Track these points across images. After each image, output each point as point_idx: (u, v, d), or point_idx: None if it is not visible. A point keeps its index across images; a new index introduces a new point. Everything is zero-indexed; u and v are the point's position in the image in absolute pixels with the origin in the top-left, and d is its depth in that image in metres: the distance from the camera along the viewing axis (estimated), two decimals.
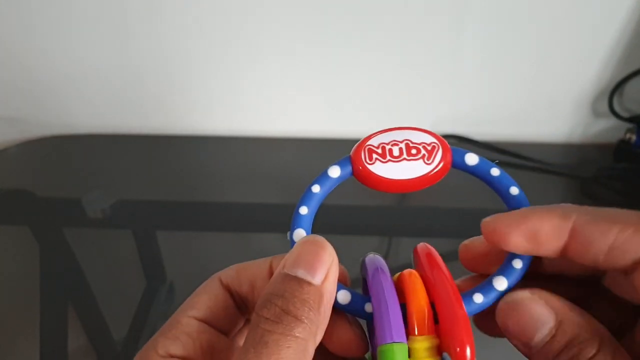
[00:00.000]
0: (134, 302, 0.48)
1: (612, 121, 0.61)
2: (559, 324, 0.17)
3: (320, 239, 0.19)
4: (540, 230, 0.18)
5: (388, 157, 0.20)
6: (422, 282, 0.19)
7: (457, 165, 0.21)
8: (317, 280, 0.18)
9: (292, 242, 0.20)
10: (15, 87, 0.62)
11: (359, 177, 0.21)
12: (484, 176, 0.21)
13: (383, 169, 0.20)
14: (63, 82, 0.62)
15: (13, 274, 0.52)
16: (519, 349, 0.18)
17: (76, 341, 0.46)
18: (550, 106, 0.62)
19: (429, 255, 0.20)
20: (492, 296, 0.19)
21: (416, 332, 0.18)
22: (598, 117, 0.62)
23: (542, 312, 0.17)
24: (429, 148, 0.20)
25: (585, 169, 0.60)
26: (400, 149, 0.21)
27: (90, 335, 0.46)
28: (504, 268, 0.20)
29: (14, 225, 0.57)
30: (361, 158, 0.21)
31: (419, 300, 0.19)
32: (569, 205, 0.18)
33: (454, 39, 0.56)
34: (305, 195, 0.21)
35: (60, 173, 0.63)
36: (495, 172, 0.21)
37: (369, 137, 0.21)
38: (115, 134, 0.66)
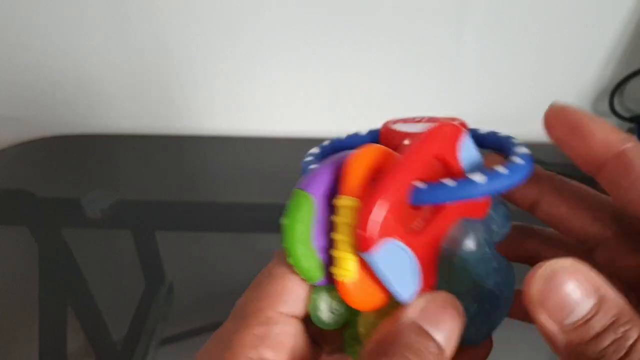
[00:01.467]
0: (133, 302, 0.48)
1: (612, 121, 0.61)
2: (600, 302, 0.15)
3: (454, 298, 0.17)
4: (595, 133, 0.17)
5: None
6: (378, 153, 0.18)
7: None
8: (449, 350, 0.16)
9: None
10: (15, 87, 0.62)
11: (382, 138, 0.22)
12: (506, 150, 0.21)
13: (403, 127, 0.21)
14: (63, 82, 0.62)
15: (12, 274, 0.52)
16: (544, 331, 0.16)
17: (75, 341, 0.46)
18: None
19: (428, 134, 0.18)
20: (496, 179, 0.18)
21: (342, 191, 0.18)
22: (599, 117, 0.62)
23: (583, 286, 0.15)
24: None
25: None
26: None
27: (89, 336, 0.46)
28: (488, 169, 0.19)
29: (13, 225, 0.57)
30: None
31: (352, 161, 0.18)
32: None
33: (455, 39, 0.56)
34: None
35: (59, 173, 0.63)
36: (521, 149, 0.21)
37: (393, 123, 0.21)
38: (116, 134, 0.66)
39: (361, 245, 0.17)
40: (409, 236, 0.18)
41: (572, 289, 0.15)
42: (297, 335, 0.18)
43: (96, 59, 0.59)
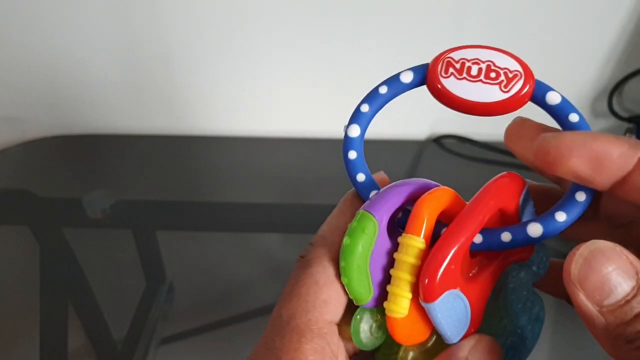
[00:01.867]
0: (134, 302, 0.48)
1: (611, 121, 0.61)
2: None
3: None
4: (607, 154, 0.16)
5: (464, 75, 0.19)
6: (446, 197, 0.19)
7: (536, 101, 0.20)
8: None
9: (346, 135, 0.21)
10: (15, 87, 0.62)
11: (431, 89, 0.20)
12: (562, 120, 0.20)
13: (456, 86, 0.19)
14: (63, 82, 0.62)
15: (13, 274, 0.52)
16: (583, 311, 0.16)
17: (76, 341, 0.46)
18: None
19: (489, 188, 0.19)
20: (551, 228, 0.18)
21: (410, 230, 0.18)
22: (597, 117, 0.62)
23: (623, 268, 0.15)
24: (510, 75, 0.19)
25: None
26: (480, 69, 0.19)
27: (90, 335, 0.47)
28: (565, 201, 0.19)
29: (14, 225, 0.57)
30: (437, 69, 0.20)
31: (424, 203, 0.18)
32: (634, 139, 0.17)
33: (454, 38, 0.56)
34: (370, 94, 0.21)
35: (60, 173, 0.63)
36: (574, 117, 0.19)
37: (453, 50, 0.20)
38: (116, 134, 0.66)
39: (425, 295, 0.17)
40: (466, 284, 0.18)
41: (612, 270, 0.15)
42: (340, 342, 0.19)
43: (96, 59, 0.59)
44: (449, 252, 0.17)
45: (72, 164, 0.64)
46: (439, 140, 0.63)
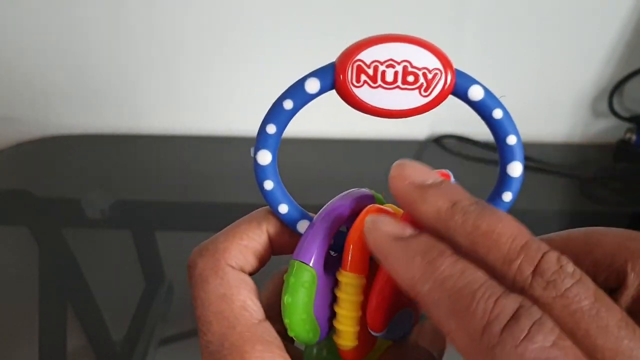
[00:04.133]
0: (133, 302, 0.48)
1: (612, 121, 0.61)
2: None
3: None
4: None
5: (379, 82, 0.17)
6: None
7: (458, 95, 0.18)
8: None
9: (257, 163, 0.19)
10: (14, 87, 0.62)
11: (341, 95, 0.18)
12: (485, 116, 0.19)
13: (371, 95, 0.17)
14: (63, 82, 0.62)
15: (12, 274, 0.52)
16: None
17: (75, 341, 0.46)
18: (550, 106, 0.62)
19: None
20: None
21: (347, 267, 0.18)
22: (598, 117, 0.62)
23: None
24: (429, 76, 0.17)
25: (585, 169, 0.60)
26: (396, 72, 0.17)
27: (89, 336, 0.46)
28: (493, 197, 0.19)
29: (13, 225, 0.57)
30: (347, 77, 0.17)
31: (356, 237, 0.18)
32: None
33: (454, 38, 0.56)
34: (274, 110, 0.18)
35: (59, 173, 0.63)
36: (498, 114, 0.18)
37: (361, 47, 0.17)
38: (115, 134, 0.66)
39: (374, 329, 0.18)
40: (404, 298, 0.19)
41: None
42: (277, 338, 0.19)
43: (96, 59, 0.59)
44: (386, 294, 0.17)
45: (71, 164, 0.64)
46: (439, 140, 0.63)
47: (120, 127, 0.66)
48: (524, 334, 0.13)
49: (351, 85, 0.17)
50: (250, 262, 0.19)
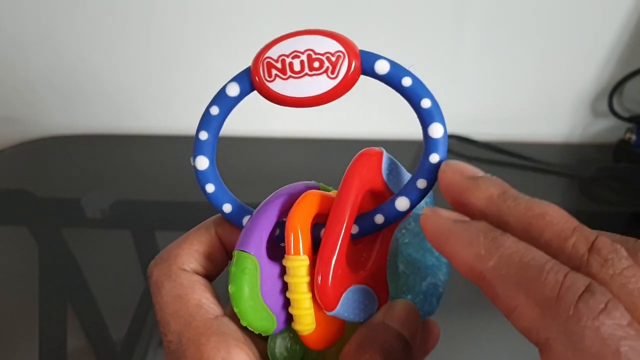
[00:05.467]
0: (133, 302, 0.48)
1: (611, 121, 0.61)
2: None
3: None
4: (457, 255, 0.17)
5: (289, 73, 0.18)
6: (314, 203, 0.19)
7: (368, 74, 0.19)
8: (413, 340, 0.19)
9: (196, 169, 0.20)
10: (14, 87, 0.62)
11: (261, 94, 0.19)
12: (396, 86, 0.19)
13: (284, 87, 0.19)
14: (63, 82, 0.62)
15: (12, 274, 0.52)
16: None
17: (75, 341, 0.46)
18: (550, 106, 0.62)
19: (350, 176, 0.19)
20: (392, 215, 0.19)
21: (290, 251, 0.18)
22: (598, 117, 0.62)
23: None
24: (333, 59, 0.18)
25: (584, 169, 0.60)
26: (302, 62, 0.18)
27: (89, 336, 0.46)
28: (407, 188, 0.19)
29: (13, 225, 0.57)
30: (260, 74, 0.19)
31: (294, 220, 0.18)
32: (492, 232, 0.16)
33: (454, 39, 0.56)
34: (203, 119, 0.20)
35: (59, 173, 0.63)
36: (407, 81, 0.19)
37: (267, 47, 0.19)
38: (115, 134, 0.66)
39: (325, 307, 0.18)
40: (360, 274, 0.19)
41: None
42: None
43: (96, 59, 0.59)
44: (330, 263, 0.18)
45: (71, 164, 0.64)
46: None
47: (120, 127, 0.66)
48: (601, 307, 0.13)
49: (265, 82, 0.19)
50: (203, 264, 0.20)
